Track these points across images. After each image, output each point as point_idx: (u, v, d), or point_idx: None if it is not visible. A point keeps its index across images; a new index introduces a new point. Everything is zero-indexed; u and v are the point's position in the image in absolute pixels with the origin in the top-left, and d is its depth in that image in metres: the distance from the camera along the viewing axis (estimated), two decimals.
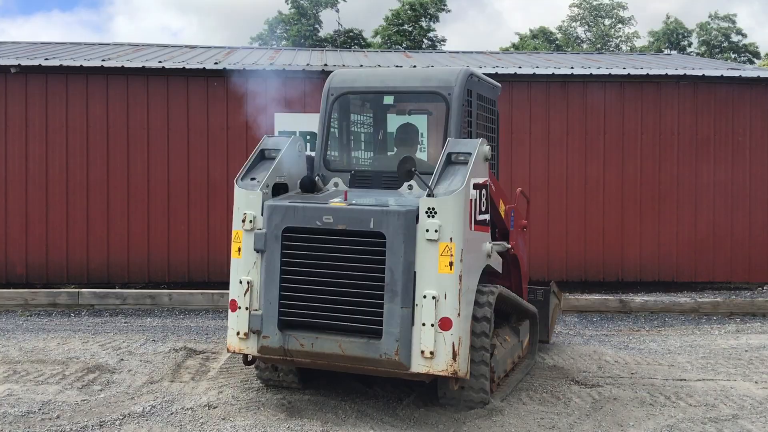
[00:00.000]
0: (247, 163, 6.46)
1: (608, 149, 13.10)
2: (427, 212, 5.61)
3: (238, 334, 6.03)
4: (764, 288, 13.18)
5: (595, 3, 42.21)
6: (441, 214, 5.59)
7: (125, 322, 10.46)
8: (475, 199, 5.96)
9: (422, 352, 5.56)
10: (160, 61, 13.08)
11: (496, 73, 12.90)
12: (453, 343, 5.56)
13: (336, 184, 6.81)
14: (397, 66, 14.13)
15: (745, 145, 13.27)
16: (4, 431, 5.69)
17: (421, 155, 8.50)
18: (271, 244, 5.91)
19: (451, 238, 5.57)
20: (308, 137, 11.82)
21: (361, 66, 13.70)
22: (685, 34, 40.41)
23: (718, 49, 39.26)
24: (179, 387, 6.87)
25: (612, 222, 13.05)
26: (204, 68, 12.66)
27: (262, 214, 6.02)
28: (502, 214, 7.15)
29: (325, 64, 13.53)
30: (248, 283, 5.99)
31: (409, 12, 37.85)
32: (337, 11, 38.02)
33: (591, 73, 13.22)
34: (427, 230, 5.58)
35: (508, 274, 7.45)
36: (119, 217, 12.48)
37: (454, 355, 5.56)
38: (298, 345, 5.83)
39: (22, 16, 73.90)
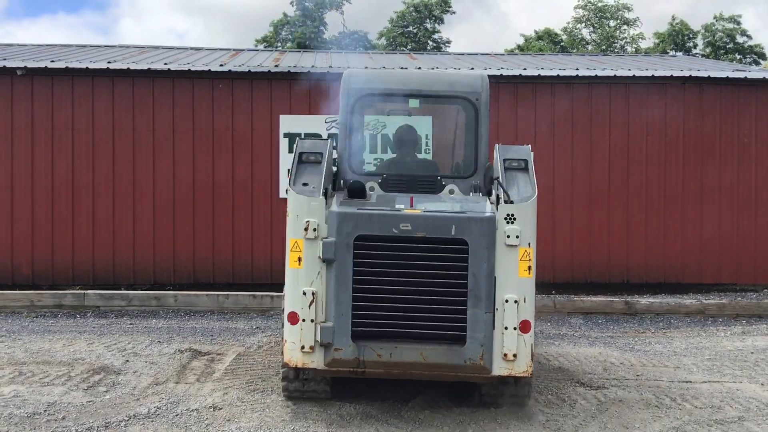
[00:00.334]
0: (293, 168, 6.07)
1: (613, 151, 13.09)
2: (506, 218, 5.78)
3: (302, 348, 5.70)
4: None
5: (600, 4, 42.16)
6: (519, 220, 5.78)
7: (131, 324, 10.48)
8: None
9: (505, 355, 5.70)
10: (165, 63, 13.11)
11: (501, 74, 12.91)
12: (531, 345, 5.76)
13: (372, 189, 6.68)
14: (402, 68, 14.14)
15: (751, 147, 13.25)
16: None
17: (422, 156, 8.50)
18: (342, 253, 5.64)
19: (528, 243, 5.78)
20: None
21: (366, 68, 13.70)
22: (691, 36, 40.32)
23: (723, 51, 39.17)
24: (184, 388, 6.88)
25: (617, 224, 13.04)
26: (209, 70, 12.69)
27: (326, 222, 5.75)
28: None
29: (330, 66, 13.55)
30: (313, 294, 5.70)
31: (413, 14, 37.87)
32: (342, 13, 38.06)
33: (596, 75, 13.21)
34: (508, 236, 5.73)
35: None
36: (125, 219, 12.51)
37: (532, 357, 5.79)
38: (375, 355, 5.66)
39: (28, 18, 74.19)
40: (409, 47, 36.62)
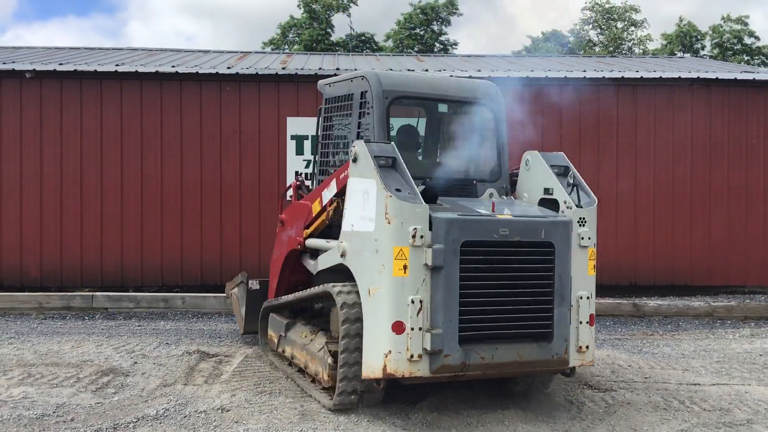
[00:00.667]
0: (379, 173, 5.91)
1: (621, 152, 13.06)
2: (579, 221, 6.31)
3: (411, 357, 5.62)
4: None
5: (607, 6, 42.05)
6: (589, 223, 6.37)
7: (139, 325, 10.51)
8: None
9: (580, 347, 6.22)
10: (173, 66, 13.15)
11: (509, 76, 12.90)
12: (595, 337, 6.32)
13: None
14: (409, 70, 14.14)
15: (759, 148, 13.21)
16: None
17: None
18: (450, 260, 5.66)
19: (594, 244, 6.39)
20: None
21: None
22: (699, 37, 40.16)
23: (731, 52, 39.02)
24: (192, 390, 6.89)
25: (625, 226, 13.00)
26: (217, 72, 12.72)
27: (430, 229, 5.71)
28: None
29: (337, 68, 13.57)
30: (420, 302, 5.65)
31: (420, 16, 37.83)
32: (349, 15, 38.06)
33: (604, 77, 13.19)
34: (582, 238, 6.29)
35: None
36: (133, 221, 12.55)
37: (594, 347, 6.35)
38: (479, 358, 5.77)
39: (38, 21, 74.48)
40: (416, 49, 36.60)
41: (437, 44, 38.06)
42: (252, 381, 7.18)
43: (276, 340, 7.91)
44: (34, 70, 12.45)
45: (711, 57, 37.62)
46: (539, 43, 41.27)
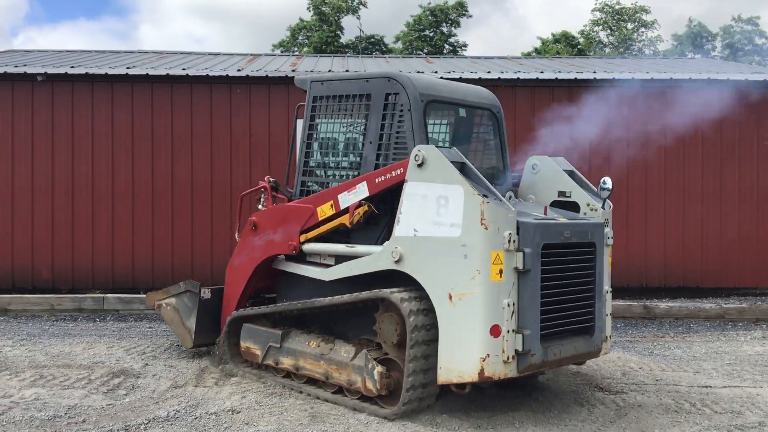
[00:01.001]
0: (467, 179, 5.90)
1: (630, 153, 13.00)
2: (604, 222, 6.77)
3: (506, 360, 5.77)
4: None
5: (617, 7, 41.95)
6: (609, 223, 6.87)
7: (150, 327, 10.55)
8: None
9: (606, 337, 6.72)
10: (183, 69, 13.20)
11: (518, 78, 12.89)
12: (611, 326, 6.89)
13: None
14: (419, 72, 14.13)
15: None
16: None
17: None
18: (534, 262, 5.90)
19: (613, 242, 6.90)
20: None
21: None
22: (709, 38, 40.05)
23: (741, 52, 38.88)
24: (203, 392, 6.92)
25: (635, 228, 12.95)
26: (227, 75, 12.75)
27: (518, 233, 5.87)
28: None
29: (347, 70, 13.59)
30: (513, 305, 5.83)
31: (430, 18, 37.85)
32: (359, 18, 38.14)
33: (614, 78, 13.15)
34: (609, 237, 6.78)
35: None
36: (144, 223, 12.60)
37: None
38: (552, 355, 6.07)
39: (49, 24, 74.98)
40: (425, 51, 36.62)
41: (446, 46, 38.06)
42: (262, 383, 7.19)
43: (261, 353, 7.36)
44: (45, 73, 12.52)
45: (721, 58, 37.45)
46: (549, 45, 41.17)
